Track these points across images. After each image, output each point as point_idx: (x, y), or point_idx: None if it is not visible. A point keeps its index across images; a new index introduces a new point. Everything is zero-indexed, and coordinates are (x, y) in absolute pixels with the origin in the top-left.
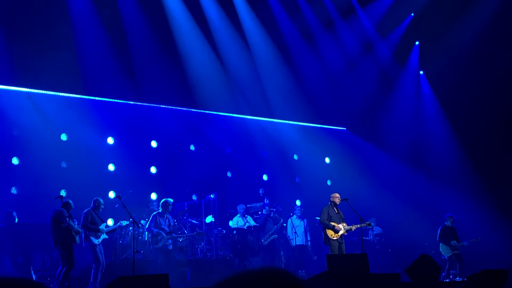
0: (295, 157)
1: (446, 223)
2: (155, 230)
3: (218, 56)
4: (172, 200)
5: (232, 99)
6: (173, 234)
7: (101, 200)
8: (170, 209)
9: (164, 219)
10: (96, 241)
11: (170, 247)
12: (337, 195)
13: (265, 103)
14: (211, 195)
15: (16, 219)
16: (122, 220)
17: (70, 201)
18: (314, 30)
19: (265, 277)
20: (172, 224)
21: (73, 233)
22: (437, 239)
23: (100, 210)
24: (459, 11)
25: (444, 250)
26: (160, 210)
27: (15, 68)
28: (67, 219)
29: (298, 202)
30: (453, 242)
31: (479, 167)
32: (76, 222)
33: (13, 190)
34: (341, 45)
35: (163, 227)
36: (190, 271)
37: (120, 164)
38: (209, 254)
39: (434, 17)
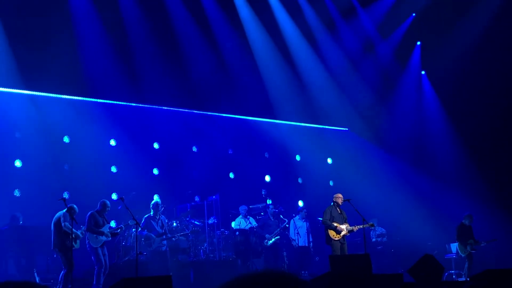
0: (298, 158)
1: (463, 221)
2: (145, 233)
3: (220, 57)
4: (160, 201)
5: (234, 100)
6: (169, 235)
7: (108, 202)
8: (161, 209)
9: (156, 220)
10: (95, 245)
11: (164, 248)
12: (340, 195)
13: (267, 104)
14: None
15: (21, 221)
16: (129, 220)
17: (75, 206)
18: (316, 30)
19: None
20: (165, 224)
21: (71, 237)
22: (456, 238)
23: (106, 212)
24: (460, 11)
25: (461, 249)
26: (151, 213)
27: (17, 71)
28: (67, 223)
29: (300, 203)
30: (471, 241)
31: (481, 167)
32: (82, 227)
33: (16, 193)
34: (342, 46)
35: (156, 228)
36: (193, 273)
37: (123, 166)
38: (211, 255)
39: (435, 17)
